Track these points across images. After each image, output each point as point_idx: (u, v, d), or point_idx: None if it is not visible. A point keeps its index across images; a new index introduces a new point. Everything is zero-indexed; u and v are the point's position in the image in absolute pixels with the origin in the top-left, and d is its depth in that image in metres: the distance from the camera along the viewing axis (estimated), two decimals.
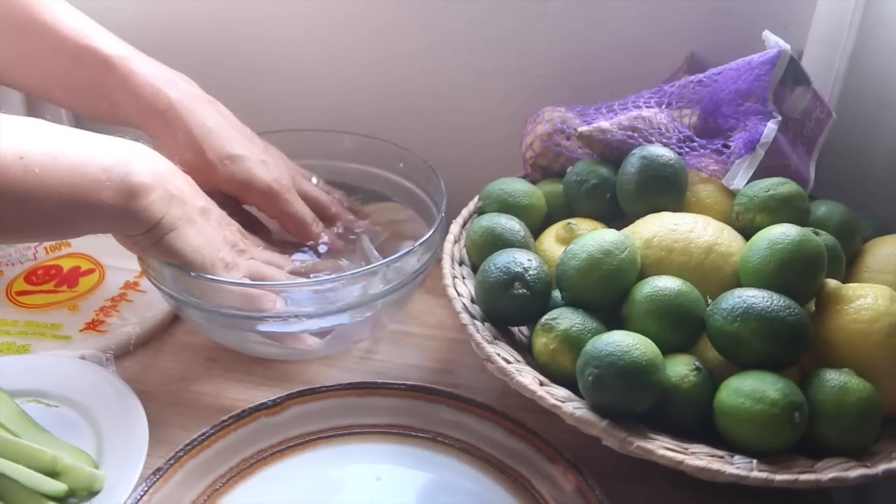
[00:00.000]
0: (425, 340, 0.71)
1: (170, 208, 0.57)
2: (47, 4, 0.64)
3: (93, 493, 0.54)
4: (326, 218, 0.72)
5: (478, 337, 0.54)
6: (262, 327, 0.61)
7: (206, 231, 0.60)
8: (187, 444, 0.55)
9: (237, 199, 0.68)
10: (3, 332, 0.69)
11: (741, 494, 0.55)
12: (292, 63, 0.83)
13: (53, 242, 0.79)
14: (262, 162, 0.67)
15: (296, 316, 0.60)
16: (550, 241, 0.64)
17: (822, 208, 0.60)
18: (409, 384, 0.61)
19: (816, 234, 0.54)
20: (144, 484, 0.53)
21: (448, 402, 0.59)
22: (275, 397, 0.59)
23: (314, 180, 0.75)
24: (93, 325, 0.69)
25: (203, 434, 0.56)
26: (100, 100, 0.65)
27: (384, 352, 0.69)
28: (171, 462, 0.54)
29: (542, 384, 0.51)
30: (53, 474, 0.54)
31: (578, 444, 0.55)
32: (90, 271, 0.76)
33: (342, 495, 0.55)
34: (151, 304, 0.72)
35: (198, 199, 0.60)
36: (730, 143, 0.63)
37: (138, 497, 0.52)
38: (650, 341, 0.49)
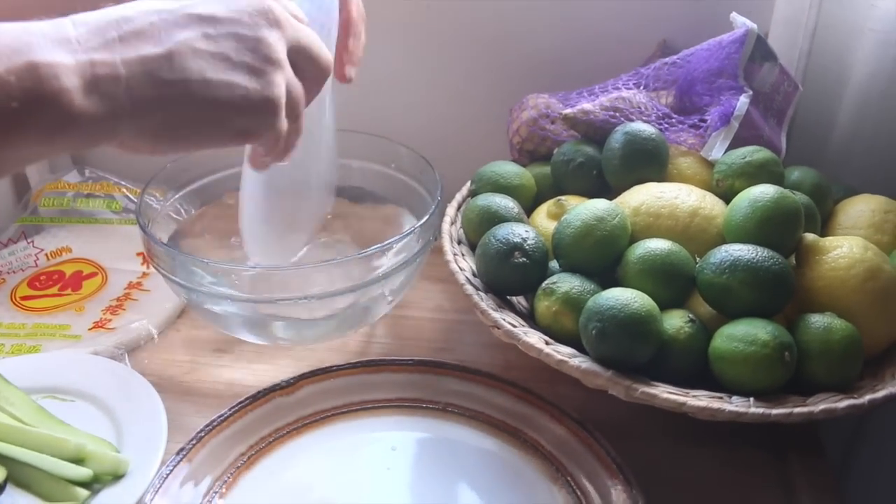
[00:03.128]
0: (425, 322, 0.74)
1: (128, 83, 0.38)
2: None
3: (117, 477, 0.56)
4: None
5: (483, 305, 0.57)
6: (275, 310, 0.63)
7: (198, 64, 0.40)
8: (207, 425, 0.57)
9: None
10: (12, 335, 0.70)
11: (742, 443, 0.58)
12: None
13: (53, 248, 0.80)
14: None
15: (305, 297, 0.62)
16: (542, 217, 0.67)
17: (795, 173, 0.65)
18: (417, 359, 0.63)
19: (793, 193, 0.58)
20: (169, 464, 0.54)
21: (456, 374, 0.62)
22: (288, 378, 0.61)
23: None
24: (101, 324, 0.71)
25: (222, 415, 0.58)
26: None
27: (385, 335, 0.72)
28: (194, 442, 0.56)
29: (547, 343, 0.54)
30: (78, 461, 0.56)
31: (583, 408, 0.58)
32: (92, 275, 0.78)
33: (359, 465, 0.57)
34: (157, 302, 0.73)
35: (150, 44, 0.39)
36: (706, 118, 0.67)
37: (164, 476, 0.54)
38: (646, 295, 0.52)
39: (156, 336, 0.70)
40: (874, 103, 0.70)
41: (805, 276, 0.55)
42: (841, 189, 0.67)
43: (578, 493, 0.54)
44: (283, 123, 0.43)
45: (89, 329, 0.70)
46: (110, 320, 0.71)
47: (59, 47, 0.36)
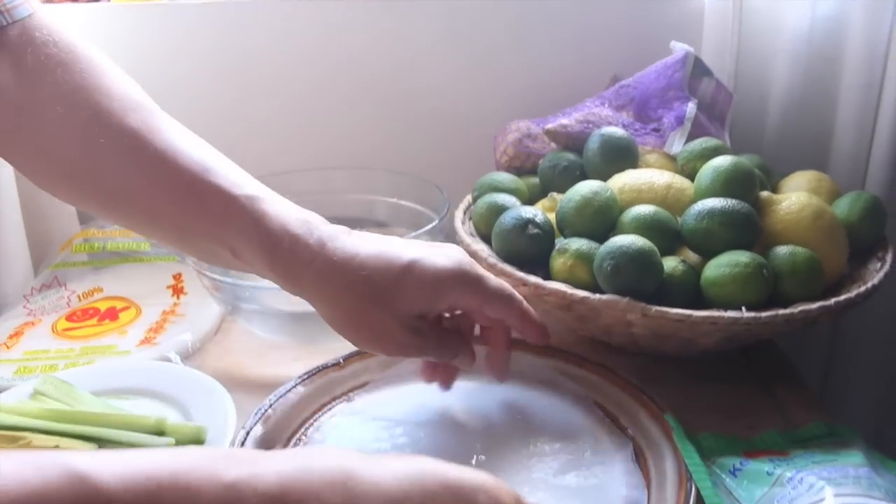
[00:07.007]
0: None
1: None
2: (162, 125, 0.55)
3: (198, 445, 0.61)
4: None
5: (508, 269, 0.67)
6: None
7: None
8: (275, 395, 0.64)
9: (438, 310, 0.57)
10: (63, 356, 0.75)
11: (738, 381, 0.69)
12: (277, 107, 0.97)
13: (84, 290, 0.86)
14: (446, 255, 0.55)
15: None
16: None
17: (743, 157, 0.78)
18: None
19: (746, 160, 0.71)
20: (246, 426, 0.61)
21: (481, 342, 0.71)
22: (338, 357, 0.69)
23: None
24: (147, 341, 0.77)
25: (286, 388, 0.65)
26: (219, 247, 0.55)
27: None
28: (267, 408, 0.63)
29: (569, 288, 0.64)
30: (159, 434, 0.61)
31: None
32: (126, 308, 0.84)
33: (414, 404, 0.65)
34: (195, 322, 0.80)
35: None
36: (663, 123, 0.81)
37: (242, 439, 0.60)
38: (645, 238, 0.64)
39: (198, 350, 0.77)
40: (794, 109, 0.86)
41: (766, 222, 0.68)
42: (779, 175, 0.81)
43: (610, 418, 0.63)
44: None
45: (137, 345, 0.76)
46: (154, 338, 0.78)
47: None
